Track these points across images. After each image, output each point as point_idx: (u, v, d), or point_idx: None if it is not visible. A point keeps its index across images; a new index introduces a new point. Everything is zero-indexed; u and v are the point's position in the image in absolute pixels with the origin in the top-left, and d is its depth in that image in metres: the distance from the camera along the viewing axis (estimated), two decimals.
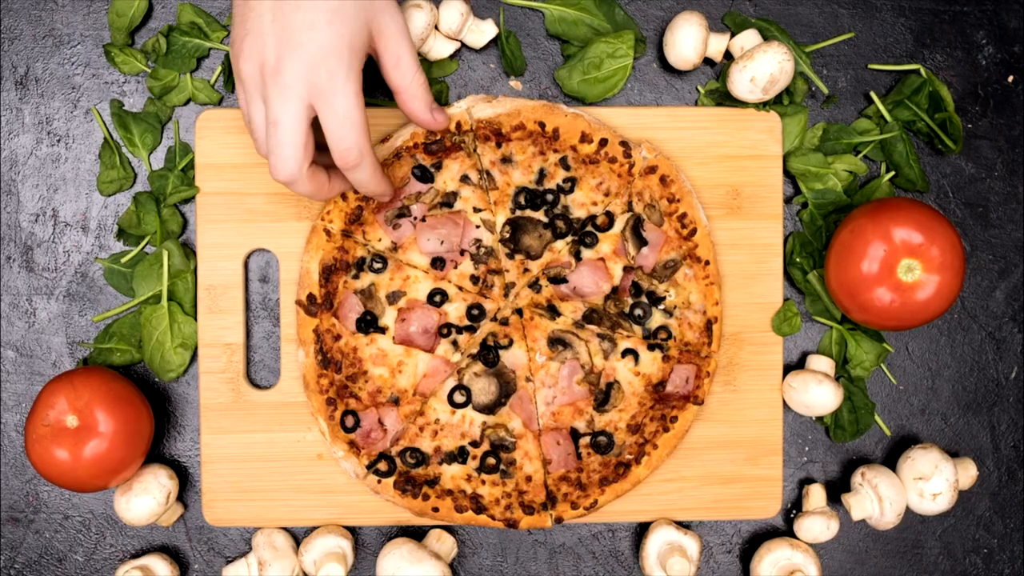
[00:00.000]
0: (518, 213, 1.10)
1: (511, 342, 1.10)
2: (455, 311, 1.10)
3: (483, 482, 1.09)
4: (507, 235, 1.09)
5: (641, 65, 1.14)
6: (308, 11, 0.91)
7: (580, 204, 1.10)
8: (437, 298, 1.09)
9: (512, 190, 1.09)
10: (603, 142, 1.07)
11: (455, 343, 1.09)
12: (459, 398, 1.09)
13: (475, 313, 1.09)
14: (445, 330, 1.09)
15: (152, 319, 1.09)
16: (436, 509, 1.07)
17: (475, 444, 1.09)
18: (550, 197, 1.09)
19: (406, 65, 0.99)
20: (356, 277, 1.09)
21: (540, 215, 1.10)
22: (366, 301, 1.08)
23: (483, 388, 1.09)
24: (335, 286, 1.07)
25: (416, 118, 1.03)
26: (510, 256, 1.10)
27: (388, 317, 1.09)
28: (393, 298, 1.09)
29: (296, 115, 0.92)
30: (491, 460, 1.09)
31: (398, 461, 1.09)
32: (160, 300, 1.09)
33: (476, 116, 1.07)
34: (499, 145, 1.08)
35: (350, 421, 1.08)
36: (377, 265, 1.08)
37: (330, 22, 0.92)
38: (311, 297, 1.07)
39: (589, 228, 1.10)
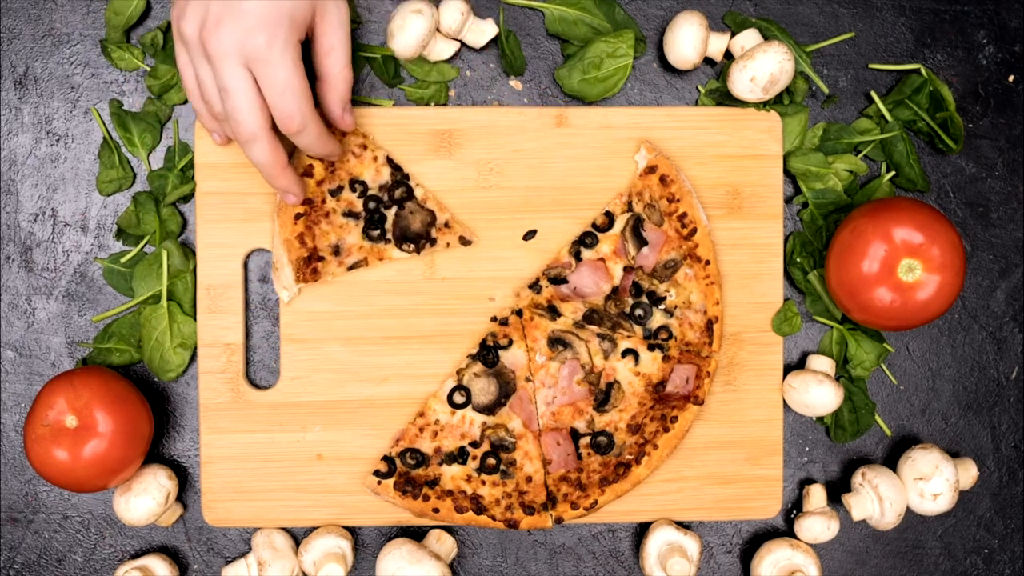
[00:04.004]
0: None
1: (511, 342, 1.10)
2: None
3: (483, 482, 1.09)
4: None
5: (641, 65, 1.14)
6: None
7: None
8: None
9: None
10: None
11: None
12: (459, 398, 1.09)
13: None
14: None
15: (151, 319, 1.09)
16: (436, 510, 1.07)
17: (475, 444, 1.09)
18: None
19: (337, 56, 1.00)
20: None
21: None
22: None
23: (483, 388, 1.09)
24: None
25: (329, 110, 1.04)
26: None
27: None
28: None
29: (244, 77, 0.94)
30: (491, 460, 1.09)
31: (398, 462, 1.08)
32: (160, 300, 1.09)
33: None
34: None
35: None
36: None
37: None
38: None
39: (589, 228, 1.10)
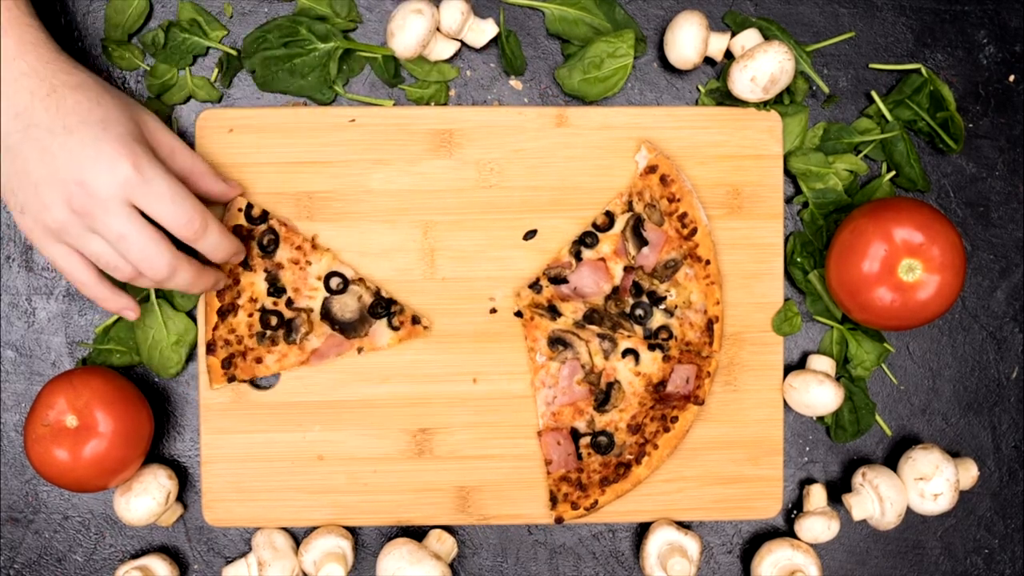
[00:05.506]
0: None
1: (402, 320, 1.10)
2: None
3: (271, 347, 1.08)
4: None
5: (641, 64, 1.14)
6: (79, 131, 0.92)
7: None
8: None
9: None
10: None
11: None
12: (335, 284, 1.08)
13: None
14: None
15: (144, 319, 1.09)
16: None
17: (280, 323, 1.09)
18: None
19: (181, 152, 1.01)
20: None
21: None
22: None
23: (347, 305, 1.09)
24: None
25: (211, 195, 1.04)
26: None
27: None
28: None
29: (134, 217, 0.93)
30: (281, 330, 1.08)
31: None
32: (149, 299, 1.09)
33: None
34: None
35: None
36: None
37: (105, 129, 0.93)
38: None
39: (589, 228, 1.10)
